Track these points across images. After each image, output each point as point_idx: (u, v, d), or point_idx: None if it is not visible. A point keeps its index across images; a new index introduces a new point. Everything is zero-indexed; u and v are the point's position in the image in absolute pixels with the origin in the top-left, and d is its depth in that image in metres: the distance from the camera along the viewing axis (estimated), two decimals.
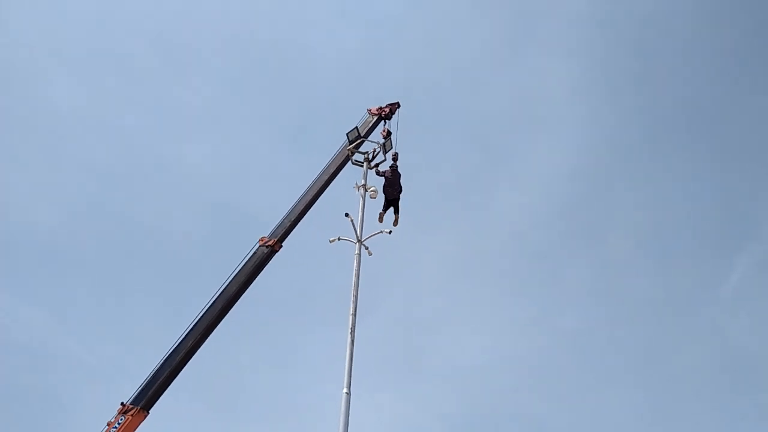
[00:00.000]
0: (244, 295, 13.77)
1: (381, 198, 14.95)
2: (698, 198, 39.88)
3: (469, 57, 40.30)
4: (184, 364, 12.84)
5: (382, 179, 15.08)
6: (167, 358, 12.78)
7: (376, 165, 15.25)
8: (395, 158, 15.43)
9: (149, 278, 33.67)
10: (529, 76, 39.94)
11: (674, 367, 33.92)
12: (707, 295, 36.96)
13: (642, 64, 40.55)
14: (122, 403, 12.22)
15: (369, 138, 15.74)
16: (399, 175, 15.19)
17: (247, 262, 13.87)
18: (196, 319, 13.20)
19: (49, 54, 34.94)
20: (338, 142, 15.70)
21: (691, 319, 36.17)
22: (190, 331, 13.04)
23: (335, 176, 15.30)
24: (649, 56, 40.55)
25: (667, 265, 38.37)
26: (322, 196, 15.08)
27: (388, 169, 15.20)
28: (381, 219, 14.99)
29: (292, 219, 14.52)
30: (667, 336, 35.38)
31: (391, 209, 15.11)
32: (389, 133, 15.87)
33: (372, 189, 14.61)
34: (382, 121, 16.21)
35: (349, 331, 12.14)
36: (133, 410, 12.09)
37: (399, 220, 15.02)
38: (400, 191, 15.10)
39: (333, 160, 15.45)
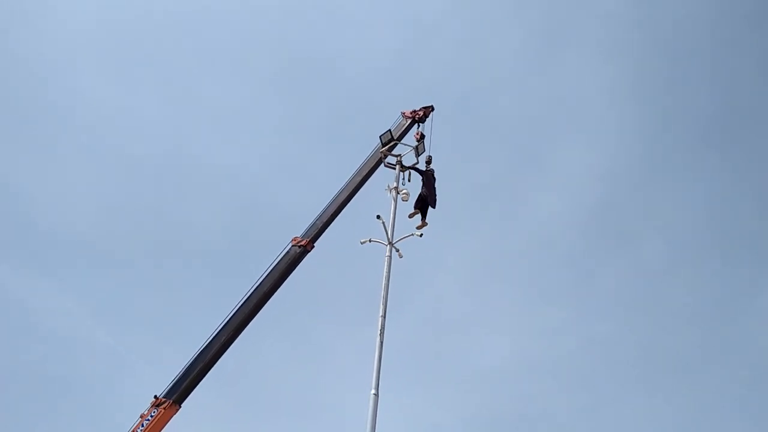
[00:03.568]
0: (275, 293, 13.95)
1: (413, 198, 14.94)
2: (735, 203, 39.12)
3: (505, 58, 40.16)
4: (217, 360, 13.08)
5: (417, 180, 15.11)
6: (200, 353, 13.02)
7: (410, 167, 15.31)
8: (429, 161, 15.51)
9: (182, 273, 34.33)
10: (565, 78, 39.62)
11: (707, 377, 33.34)
12: (744, 304, 36.13)
13: (678, 67, 39.99)
14: (155, 396, 12.50)
15: (402, 141, 15.82)
16: (434, 180, 15.25)
17: (280, 261, 14.07)
18: (230, 316, 13.42)
19: (86, 50, 35.88)
20: (371, 144, 15.78)
21: (726, 328, 35.42)
22: (223, 327, 13.27)
23: (368, 178, 15.40)
24: (685, 59, 39.97)
25: (703, 271, 37.74)
26: (354, 197, 15.22)
27: (428, 172, 15.25)
28: (412, 216, 14.94)
29: (325, 220, 14.69)
30: (700, 345, 34.78)
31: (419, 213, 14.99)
32: (422, 136, 15.87)
33: (404, 191, 14.65)
34: (416, 125, 16.26)
35: (378, 332, 12.21)
36: (166, 404, 12.36)
37: (424, 225, 14.88)
38: (435, 200, 15.09)
39: (366, 163, 15.54)
